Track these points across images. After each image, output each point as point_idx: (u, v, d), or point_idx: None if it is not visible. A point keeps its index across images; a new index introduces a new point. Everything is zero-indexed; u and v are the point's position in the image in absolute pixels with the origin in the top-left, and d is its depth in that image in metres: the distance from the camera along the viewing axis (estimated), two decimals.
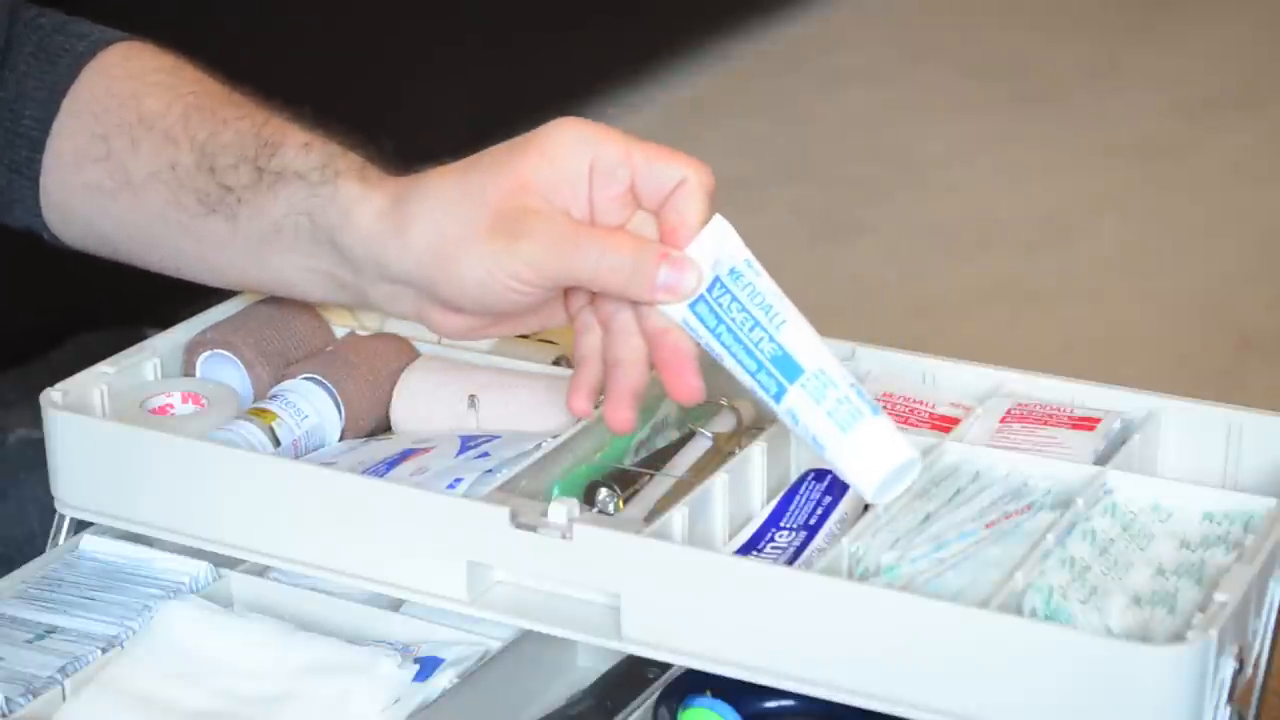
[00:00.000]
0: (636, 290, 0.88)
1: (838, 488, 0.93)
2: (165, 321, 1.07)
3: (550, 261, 0.88)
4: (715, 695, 0.88)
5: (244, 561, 0.96)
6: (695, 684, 0.89)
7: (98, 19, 1.08)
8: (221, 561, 0.96)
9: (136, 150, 1.01)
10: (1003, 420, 0.96)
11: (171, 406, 1.00)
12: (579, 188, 0.89)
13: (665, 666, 0.92)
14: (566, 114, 0.95)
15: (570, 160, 0.89)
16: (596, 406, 0.97)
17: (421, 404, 1.01)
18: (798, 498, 0.93)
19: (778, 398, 0.86)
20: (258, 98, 1.02)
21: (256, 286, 1.02)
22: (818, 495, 0.93)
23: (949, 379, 1.01)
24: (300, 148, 0.97)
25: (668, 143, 0.94)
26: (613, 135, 0.90)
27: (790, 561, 0.89)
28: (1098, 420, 0.96)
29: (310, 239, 0.96)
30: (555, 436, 0.94)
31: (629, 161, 0.89)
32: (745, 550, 0.90)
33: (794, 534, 0.91)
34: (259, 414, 0.98)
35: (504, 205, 0.89)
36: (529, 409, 0.99)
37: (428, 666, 0.89)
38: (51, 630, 0.92)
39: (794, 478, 0.95)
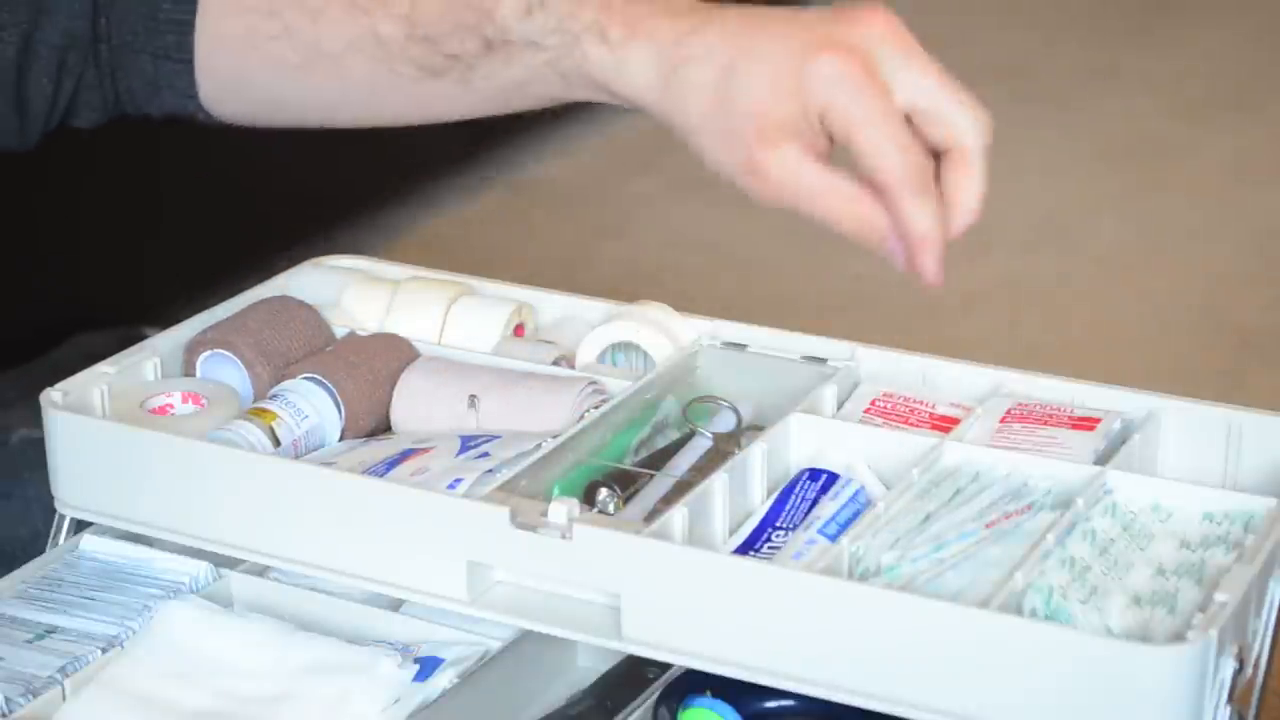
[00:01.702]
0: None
1: (832, 486, 0.93)
2: (165, 321, 1.07)
3: (785, 202, 0.91)
4: (715, 695, 0.88)
5: (244, 561, 0.96)
6: (695, 684, 0.89)
7: None
8: (221, 561, 0.96)
9: (319, 23, 1.02)
10: (1003, 420, 0.96)
11: (171, 406, 1.00)
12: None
13: (665, 666, 0.92)
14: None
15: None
16: (597, 407, 0.97)
17: (421, 404, 1.01)
18: (793, 497, 0.93)
19: None
20: None
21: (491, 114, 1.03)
22: (813, 495, 0.93)
23: (949, 379, 1.01)
24: (522, 11, 0.96)
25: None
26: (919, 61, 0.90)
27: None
28: (1098, 420, 0.96)
29: (565, 86, 0.97)
30: (555, 436, 0.94)
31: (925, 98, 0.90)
32: (742, 550, 0.90)
33: (790, 533, 0.91)
34: (259, 414, 0.98)
35: (764, 122, 0.90)
36: (529, 409, 0.99)
37: (428, 666, 0.89)
38: (51, 630, 0.92)
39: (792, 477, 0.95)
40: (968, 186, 0.91)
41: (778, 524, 0.92)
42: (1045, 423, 0.96)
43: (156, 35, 1.05)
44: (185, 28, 1.05)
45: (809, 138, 0.91)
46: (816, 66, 0.89)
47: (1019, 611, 0.82)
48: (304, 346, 1.05)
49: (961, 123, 0.91)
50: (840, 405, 1.00)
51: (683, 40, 0.92)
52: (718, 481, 0.91)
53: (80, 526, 0.99)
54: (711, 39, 0.92)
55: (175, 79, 1.07)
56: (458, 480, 0.92)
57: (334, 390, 1.00)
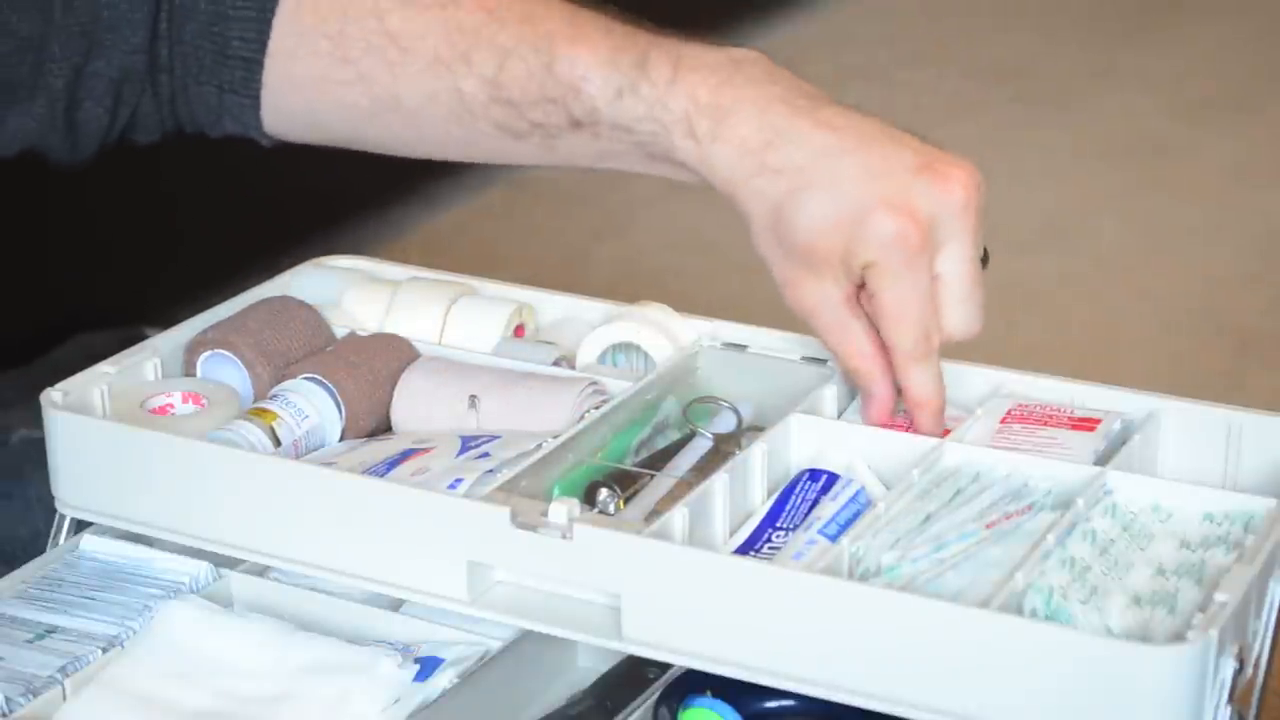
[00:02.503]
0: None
1: (832, 487, 0.93)
2: (165, 321, 1.07)
3: (807, 321, 0.96)
4: (715, 695, 0.88)
5: (244, 561, 0.96)
6: (695, 684, 0.89)
7: None
8: (221, 561, 0.96)
9: (396, 74, 1.02)
10: (1003, 421, 0.96)
11: (172, 406, 1.00)
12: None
13: (665, 666, 0.92)
14: None
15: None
16: (597, 407, 0.97)
17: (422, 404, 1.01)
18: (793, 497, 0.93)
19: None
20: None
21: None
22: (813, 495, 0.93)
23: (949, 380, 1.01)
24: (613, 94, 0.97)
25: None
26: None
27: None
28: (1098, 421, 0.96)
29: (649, 164, 0.99)
30: (555, 436, 0.94)
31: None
32: (743, 550, 0.90)
33: (790, 534, 0.91)
34: (259, 414, 0.98)
35: (812, 251, 0.93)
36: (529, 409, 0.99)
37: (428, 666, 0.89)
38: (52, 630, 0.92)
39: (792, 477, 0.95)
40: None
41: (778, 524, 0.92)
42: (1045, 423, 0.96)
43: (223, 69, 1.06)
44: (253, 65, 1.06)
45: (846, 273, 0.94)
46: (877, 223, 0.91)
47: (1019, 612, 0.82)
48: (304, 346, 1.04)
49: (956, 318, 0.94)
50: (840, 406, 1.00)
51: (765, 150, 0.94)
52: (718, 482, 0.91)
53: (80, 526, 0.99)
54: (791, 155, 0.93)
55: (240, 111, 1.08)
56: (458, 480, 0.91)
57: (334, 390, 1.00)
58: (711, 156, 0.95)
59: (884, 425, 0.96)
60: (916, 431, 0.95)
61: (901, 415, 0.97)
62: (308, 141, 1.10)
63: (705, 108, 0.95)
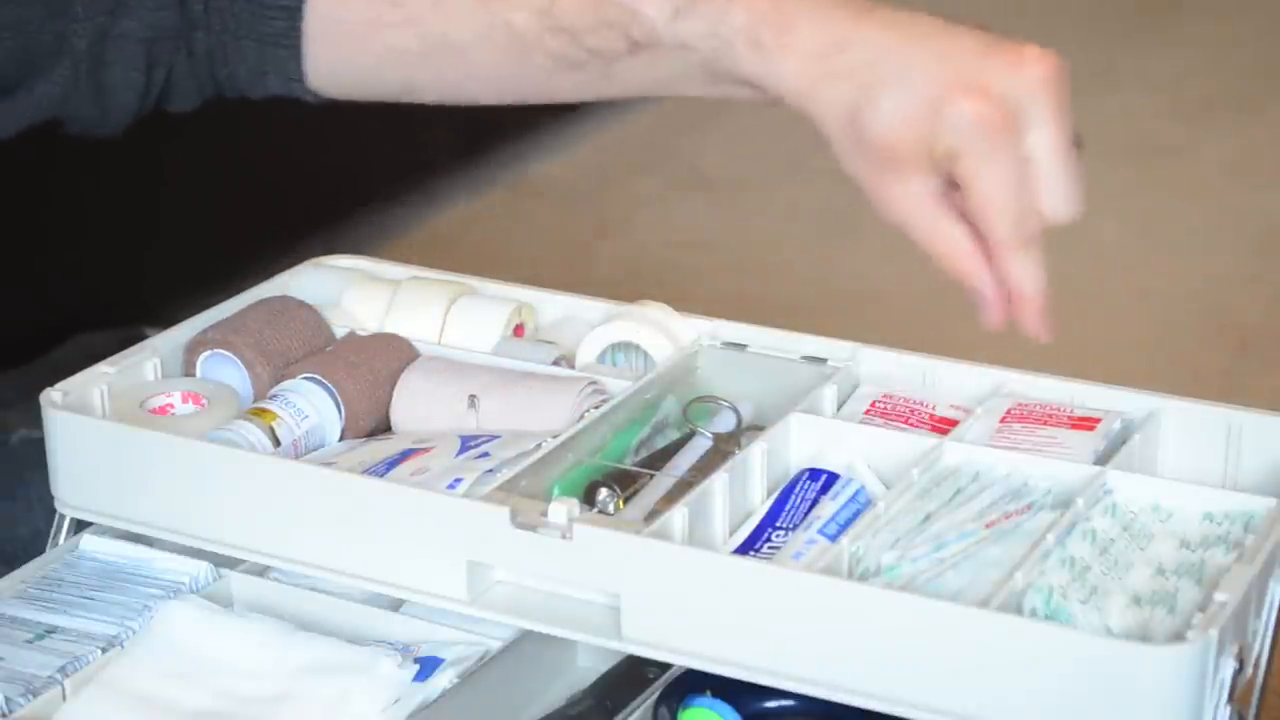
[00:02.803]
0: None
1: (832, 486, 0.93)
2: (165, 321, 1.07)
3: (900, 225, 0.93)
4: (715, 695, 0.88)
5: (244, 561, 0.96)
6: (695, 684, 0.89)
7: None
8: (221, 561, 0.96)
9: (444, 12, 1.01)
10: (1003, 420, 0.96)
11: (171, 406, 1.00)
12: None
13: (665, 666, 0.92)
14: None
15: None
16: (597, 407, 0.97)
17: (421, 404, 1.01)
18: (793, 497, 0.93)
19: None
20: None
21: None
22: (813, 494, 0.93)
23: (949, 379, 1.01)
24: (671, 13, 0.95)
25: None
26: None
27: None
28: (1098, 420, 0.96)
29: (712, 83, 0.97)
30: (555, 436, 0.94)
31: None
32: (742, 550, 0.90)
33: (790, 533, 0.91)
34: (259, 414, 0.98)
35: (894, 151, 0.91)
36: (529, 409, 0.99)
37: (428, 666, 0.89)
38: (51, 630, 0.92)
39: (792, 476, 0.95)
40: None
41: (778, 524, 0.92)
42: (1045, 423, 0.96)
43: (262, 21, 1.04)
44: (294, 14, 1.04)
45: (935, 168, 0.92)
46: (957, 109, 0.90)
47: (1019, 611, 0.82)
48: (304, 346, 1.04)
49: (1053, 199, 0.91)
50: (840, 405, 1.00)
51: (831, 52, 0.92)
52: (718, 481, 0.91)
53: (80, 526, 0.99)
54: (859, 57, 0.92)
55: (282, 64, 1.05)
56: (458, 480, 0.92)
57: (334, 390, 1.00)
58: (778, 67, 0.94)
59: (1001, 325, 0.93)
60: (1025, 328, 0.93)
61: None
62: (354, 97, 1.08)
63: (767, 18, 0.94)
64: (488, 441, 0.96)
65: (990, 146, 0.90)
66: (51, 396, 0.98)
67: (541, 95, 1.04)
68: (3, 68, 1.02)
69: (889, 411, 0.98)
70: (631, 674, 0.94)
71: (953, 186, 0.92)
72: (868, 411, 0.98)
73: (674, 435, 0.99)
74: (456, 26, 1.01)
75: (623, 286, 1.41)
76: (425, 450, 0.96)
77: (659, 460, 0.96)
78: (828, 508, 0.91)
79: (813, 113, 0.94)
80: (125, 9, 1.03)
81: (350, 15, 1.03)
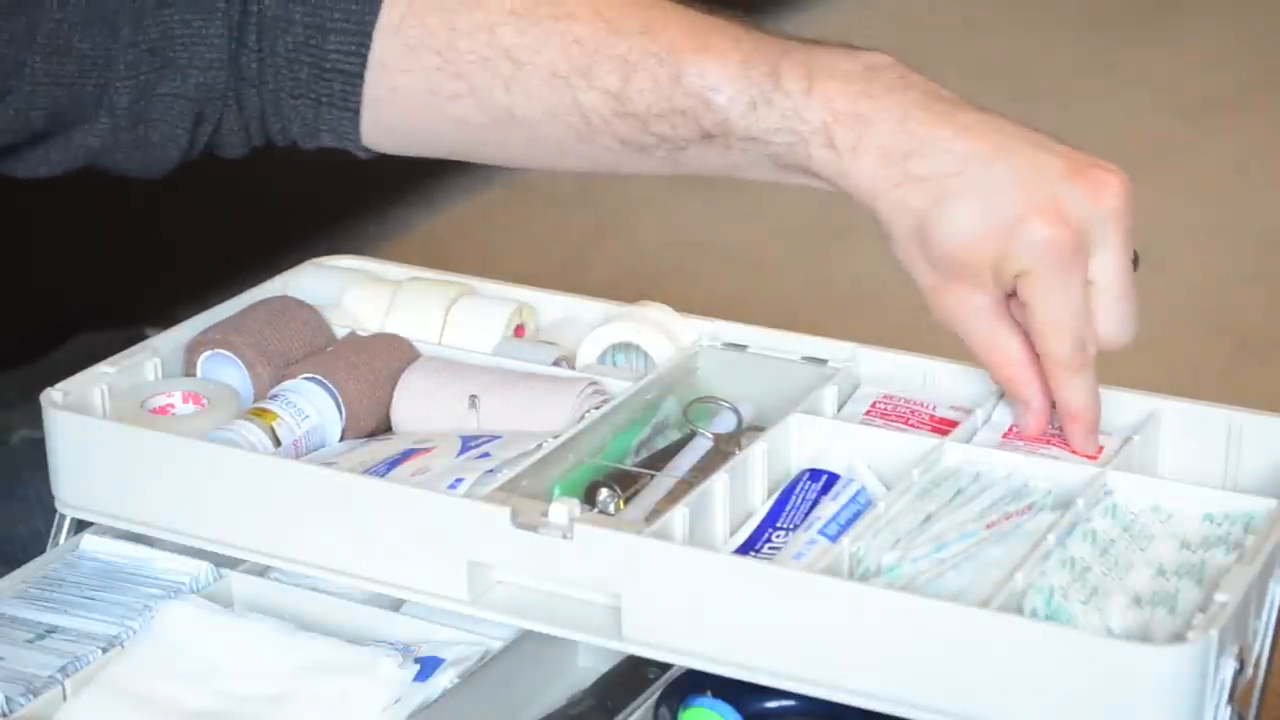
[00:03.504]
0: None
1: (832, 487, 0.93)
2: (165, 321, 1.07)
3: (954, 330, 0.95)
4: (715, 695, 0.88)
5: (244, 561, 0.96)
6: (695, 684, 0.89)
7: None
8: (222, 561, 0.96)
9: (510, 89, 0.99)
10: (1005, 436, 0.96)
11: (172, 406, 1.00)
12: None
13: (665, 666, 0.92)
14: None
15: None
16: (597, 407, 0.97)
17: (422, 404, 1.01)
18: (793, 497, 0.93)
19: None
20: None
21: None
22: (813, 495, 0.93)
23: (949, 380, 1.01)
24: (745, 106, 0.94)
25: None
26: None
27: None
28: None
29: (781, 174, 0.96)
30: (556, 436, 0.94)
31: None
32: (743, 550, 0.90)
33: (791, 534, 0.91)
34: (259, 414, 0.98)
35: (960, 261, 0.92)
36: (529, 409, 0.99)
37: (428, 666, 0.89)
38: (52, 630, 0.92)
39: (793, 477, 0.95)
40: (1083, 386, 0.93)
41: (778, 524, 0.92)
42: (1049, 443, 0.95)
43: (321, 82, 1.03)
44: (354, 79, 1.03)
45: (996, 282, 0.92)
46: (1029, 230, 0.89)
47: (1019, 612, 0.82)
48: (304, 346, 1.04)
49: (1111, 324, 0.92)
50: (840, 406, 1.00)
51: (907, 158, 0.92)
52: (718, 482, 0.91)
53: (80, 526, 0.99)
54: (935, 163, 0.91)
55: (338, 124, 1.05)
56: (458, 480, 0.92)
57: (334, 390, 1.00)
58: (851, 167, 0.93)
59: (1038, 440, 0.94)
60: (1071, 447, 0.94)
61: (1054, 430, 0.95)
62: (410, 154, 1.07)
63: (844, 117, 0.93)
64: (488, 442, 0.96)
65: (1059, 272, 0.90)
66: (52, 396, 0.98)
67: (608, 170, 1.03)
68: (39, 117, 1.02)
69: (889, 412, 0.98)
70: (632, 674, 0.94)
71: (1011, 296, 0.92)
72: (868, 412, 0.98)
73: (674, 436, 0.99)
74: (522, 104, 1.00)
75: (623, 287, 1.41)
76: (426, 450, 0.96)
77: (659, 461, 0.96)
78: (828, 508, 0.91)
79: (881, 212, 0.93)
80: (174, 68, 1.02)
81: (408, 83, 1.02)
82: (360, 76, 1.03)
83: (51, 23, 0.99)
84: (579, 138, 0.99)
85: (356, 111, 1.04)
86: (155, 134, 1.04)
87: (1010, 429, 0.96)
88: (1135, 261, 0.92)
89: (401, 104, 1.03)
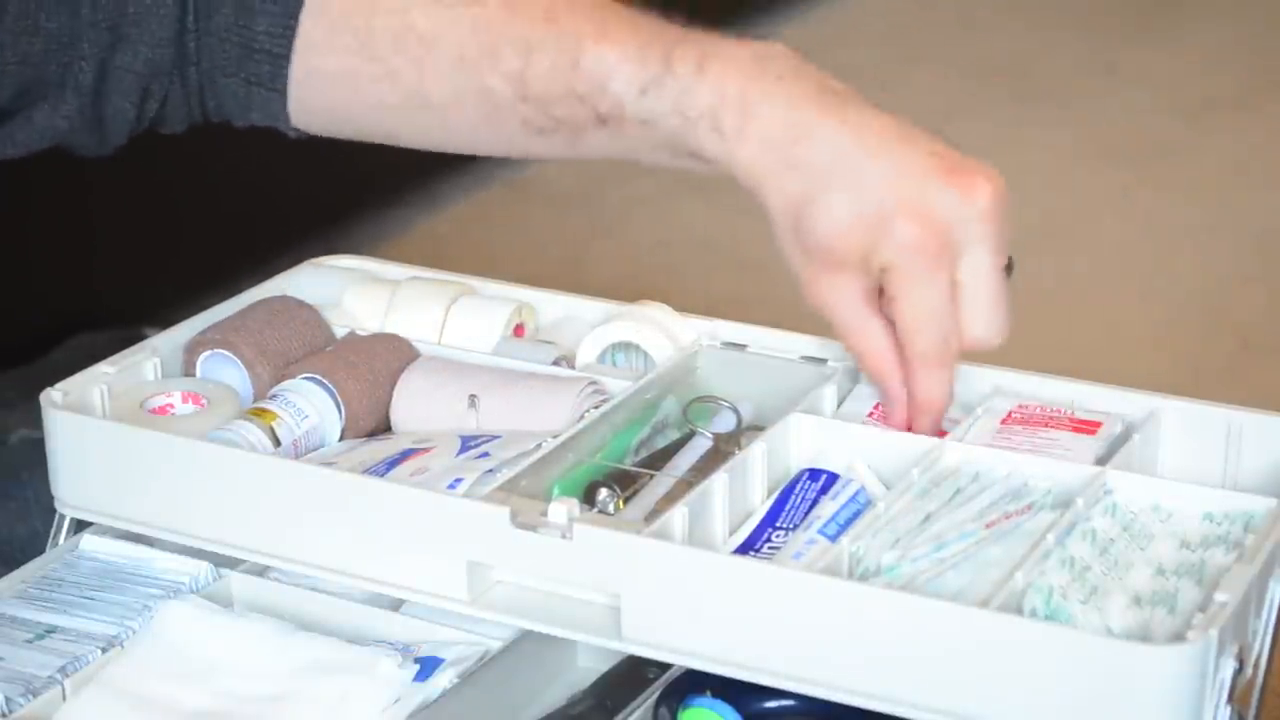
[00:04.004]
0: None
1: (832, 486, 0.93)
2: (165, 321, 1.07)
3: (824, 317, 0.96)
4: (715, 695, 0.88)
5: (244, 561, 0.96)
6: (695, 684, 0.89)
7: None
8: (221, 561, 0.96)
9: (423, 72, 1.02)
10: (1003, 422, 0.96)
11: (171, 406, 1.00)
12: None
13: (665, 666, 0.92)
14: None
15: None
16: (597, 407, 0.97)
17: (421, 404, 1.01)
18: (793, 497, 0.93)
19: None
20: None
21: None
22: (813, 495, 0.93)
23: None
24: (637, 91, 0.96)
25: None
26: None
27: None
28: (1099, 424, 0.95)
29: (672, 158, 0.98)
30: (555, 436, 0.94)
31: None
32: (742, 550, 0.90)
33: (790, 534, 0.91)
34: (259, 414, 0.98)
35: (831, 250, 0.93)
36: (529, 409, 0.99)
37: (428, 666, 0.89)
38: (51, 630, 0.92)
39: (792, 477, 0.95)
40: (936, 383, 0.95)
41: (778, 524, 0.92)
42: (1047, 425, 0.96)
43: (250, 62, 1.05)
44: (280, 61, 1.05)
45: (865, 273, 0.93)
46: (897, 229, 0.91)
47: (1019, 611, 0.82)
48: (304, 346, 1.04)
49: (979, 325, 0.93)
50: (840, 405, 0.99)
51: (788, 144, 0.93)
52: (718, 481, 0.91)
53: (80, 526, 0.99)
54: (814, 151, 0.93)
55: (266, 104, 1.07)
56: (458, 480, 0.91)
57: (334, 390, 1.00)
58: (737, 152, 0.95)
59: (901, 428, 0.96)
60: (913, 430, 0.95)
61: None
62: (336, 136, 1.10)
63: (731, 102, 0.94)
64: (488, 441, 0.96)
65: (923, 270, 0.92)
66: (51, 396, 0.98)
67: (514, 154, 1.06)
68: (4, 96, 1.03)
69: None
70: (631, 674, 0.94)
71: (881, 290, 0.94)
72: (871, 414, 0.98)
73: (674, 435, 0.99)
74: (434, 87, 1.02)
75: (622, 286, 1.41)
76: (425, 450, 0.96)
77: (659, 460, 0.96)
78: (828, 508, 0.91)
79: (763, 197, 0.95)
80: (126, 44, 1.05)
81: (330, 66, 1.05)
82: (286, 58, 1.05)
83: (20, 1, 1.01)
84: (486, 120, 1.02)
85: (283, 92, 1.06)
86: (108, 108, 1.06)
87: (1007, 415, 0.96)
88: (1009, 267, 0.94)
89: (325, 86, 1.05)
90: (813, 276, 0.95)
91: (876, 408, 0.99)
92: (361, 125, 1.08)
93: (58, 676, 0.89)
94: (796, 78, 0.95)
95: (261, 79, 1.06)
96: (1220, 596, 0.81)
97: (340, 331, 1.07)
